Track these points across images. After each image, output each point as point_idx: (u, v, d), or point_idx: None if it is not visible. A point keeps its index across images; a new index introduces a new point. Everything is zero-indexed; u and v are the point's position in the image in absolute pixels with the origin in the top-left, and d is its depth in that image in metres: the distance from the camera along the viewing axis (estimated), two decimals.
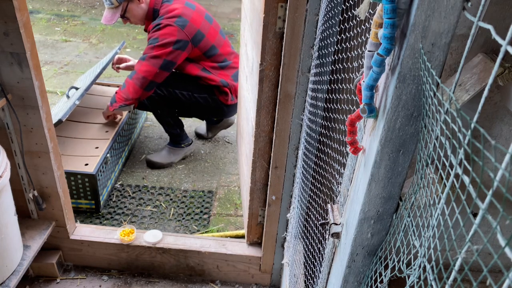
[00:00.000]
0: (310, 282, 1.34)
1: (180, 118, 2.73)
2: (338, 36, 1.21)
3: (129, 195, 2.47)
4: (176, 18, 2.38)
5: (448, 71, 0.96)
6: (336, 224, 0.82)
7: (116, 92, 2.48)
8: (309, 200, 1.43)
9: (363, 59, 0.65)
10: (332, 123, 1.25)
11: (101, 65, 2.83)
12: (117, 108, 2.47)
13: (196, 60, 2.53)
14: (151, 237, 1.93)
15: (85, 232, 1.96)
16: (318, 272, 1.11)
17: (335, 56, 1.23)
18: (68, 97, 2.58)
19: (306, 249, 1.48)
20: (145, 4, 2.46)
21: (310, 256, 1.36)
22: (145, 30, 2.56)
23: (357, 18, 0.98)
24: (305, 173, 1.44)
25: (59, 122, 2.19)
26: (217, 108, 2.64)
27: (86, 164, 2.24)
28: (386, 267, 0.69)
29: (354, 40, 1.00)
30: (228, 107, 2.65)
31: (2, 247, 1.51)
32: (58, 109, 2.51)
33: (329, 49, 1.24)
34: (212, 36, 2.53)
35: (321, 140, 1.35)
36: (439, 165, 0.49)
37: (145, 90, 2.42)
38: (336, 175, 1.05)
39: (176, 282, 1.97)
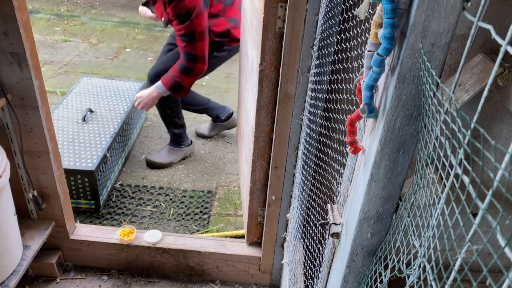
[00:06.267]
0: (310, 282, 1.34)
1: (182, 118, 2.73)
2: (338, 36, 1.21)
3: (129, 195, 2.47)
4: None
5: (448, 71, 0.96)
6: (336, 224, 0.82)
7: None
8: (309, 200, 1.43)
9: (363, 59, 0.65)
10: (332, 123, 1.25)
11: (125, 108, 2.75)
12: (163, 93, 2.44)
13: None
14: (151, 237, 1.93)
15: (84, 232, 1.96)
16: (318, 272, 1.11)
17: (335, 56, 1.23)
18: (84, 120, 2.53)
19: (306, 249, 1.48)
20: None
21: (310, 256, 1.36)
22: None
23: (357, 18, 0.98)
24: (305, 173, 1.44)
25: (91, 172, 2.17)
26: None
27: None
28: (386, 267, 0.69)
29: (354, 40, 1.00)
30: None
31: (2, 247, 1.51)
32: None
33: (329, 49, 1.24)
34: None
35: (321, 140, 1.35)
36: (439, 165, 0.49)
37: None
38: (336, 175, 1.05)
39: (176, 282, 1.97)
